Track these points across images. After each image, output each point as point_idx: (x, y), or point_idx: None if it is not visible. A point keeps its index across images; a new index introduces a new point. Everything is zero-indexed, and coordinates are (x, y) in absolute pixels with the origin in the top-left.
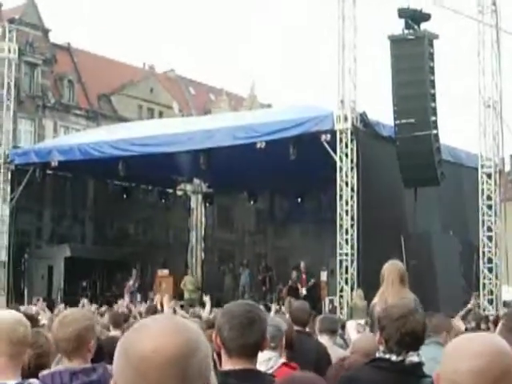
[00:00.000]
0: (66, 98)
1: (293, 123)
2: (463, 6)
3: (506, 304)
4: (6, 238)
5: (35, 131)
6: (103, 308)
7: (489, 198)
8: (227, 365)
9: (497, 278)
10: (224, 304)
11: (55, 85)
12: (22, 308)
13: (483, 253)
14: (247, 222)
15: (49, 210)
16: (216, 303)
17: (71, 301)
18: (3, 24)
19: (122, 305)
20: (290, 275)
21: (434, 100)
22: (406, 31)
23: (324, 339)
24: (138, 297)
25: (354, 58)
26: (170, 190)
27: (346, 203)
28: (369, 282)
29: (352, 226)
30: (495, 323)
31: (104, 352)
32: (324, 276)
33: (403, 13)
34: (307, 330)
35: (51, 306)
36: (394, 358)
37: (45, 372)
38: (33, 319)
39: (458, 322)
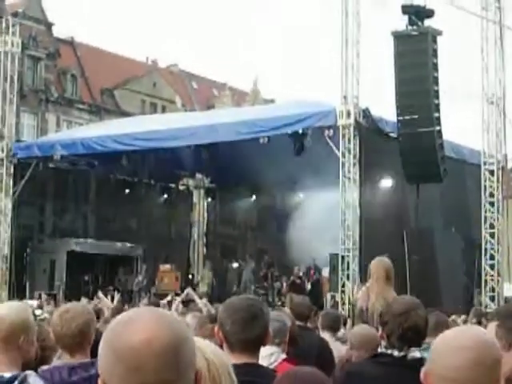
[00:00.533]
0: (69, 92)
1: (296, 118)
2: (467, 2)
3: (507, 300)
4: (9, 231)
5: (38, 125)
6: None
7: (491, 194)
8: (230, 359)
9: (499, 274)
10: (226, 299)
11: (58, 79)
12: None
13: (485, 249)
14: (249, 217)
15: (51, 204)
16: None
17: (73, 295)
18: (6, 18)
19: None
20: (292, 271)
21: (437, 96)
22: (410, 27)
23: (326, 335)
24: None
25: (357, 53)
26: (173, 185)
27: (349, 199)
28: None
29: (354, 222)
30: None
31: None
32: (326, 272)
33: (407, 9)
34: (309, 325)
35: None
36: (396, 353)
37: (44, 367)
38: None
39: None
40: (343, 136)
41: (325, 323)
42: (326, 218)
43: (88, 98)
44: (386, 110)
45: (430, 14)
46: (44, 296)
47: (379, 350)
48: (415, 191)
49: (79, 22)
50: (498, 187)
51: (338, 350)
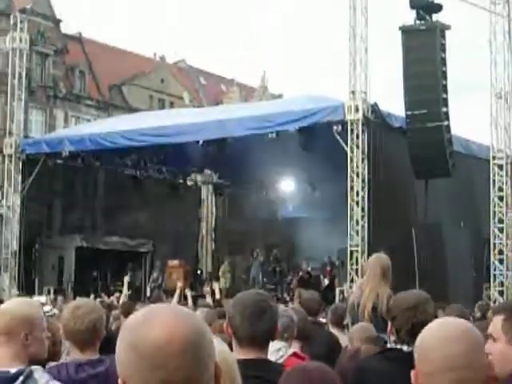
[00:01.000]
0: (77, 88)
1: (304, 114)
2: None
3: None
4: (17, 227)
5: (46, 121)
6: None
7: (500, 189)
8: (238, 354)
9: (507, 269)
10: (235, 295)
11: (66, 75)
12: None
13: (494, 244)
14: (258, 212)
15: (60, 200)
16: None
17: (81, 291)
18: (15, 14)
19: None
20: (300, 266)
21: (446, 91)
22: (418, 22)
23: (335, 330)
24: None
25: (366, 48)
26: (181, 181)
27: (357, 194)
28: None
29: (362, 217)
30: None
31: (115, 343)
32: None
33: (415, 3)
34: (320, 320)
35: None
36: (405, 348)
37: (52, 364)
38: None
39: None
40: (351, 131)
41: (333, 318)
42: (335, 213)
43: (96, 94)
44: (394, 104)
45: (438, 8)
46: (52, 292)
47: (388, 345)
48: (424, 186)
49: (87, 18)
50: (506, 182)
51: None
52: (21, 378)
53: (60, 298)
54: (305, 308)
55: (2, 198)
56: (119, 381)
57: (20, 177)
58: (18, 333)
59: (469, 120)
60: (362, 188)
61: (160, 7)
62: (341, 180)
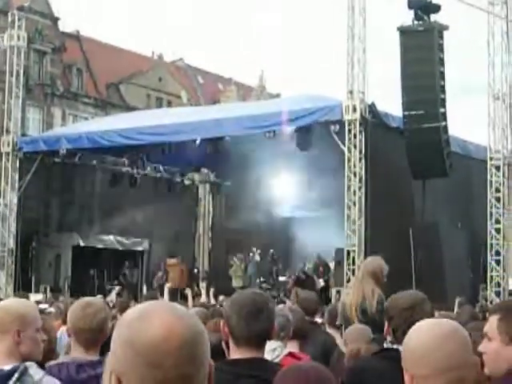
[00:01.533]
0: (75, 86)
1: (302, 113)
2: None
3: None
4: (14, 225)
5: (44, 119)
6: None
7: (497, 190)
8: (235, 354)
9: (504, 270)
10: (231, 294)
11: (64, 73)
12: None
13: (491, 245)
14: (254, 211)
15: (57, 198)
16: (223, 293)
17: (78, 289)
18: (12, 12)
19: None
20: (297, 266)
21: (444, 92)
22: (416, 22)
23: (332, 330)
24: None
25: (364, 48)
26: (178, 180)
27: (354, 194)
28: None
29: (360, 217)
30: None
31: None
32: (331, 267)
33: (413, 4)
34: (316, 320)
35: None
36: (401, 348)
37: (52, 363)
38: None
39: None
40: (349, 131)
41: (330, 318)
42: (332, 213)
43: (93, 92)
44: (391, 104)
45: (436, 8)
46: (49, 291)
47: (385, 345)
48: (421, 186)
49: (85, 16)
50: (503, 182)
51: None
52: (16, 375)
53: (62, 297)
54: (302, 308)
55: (0, 195)
56: (113, 377)
57: (17, 175)
58: (10, 330)
59: (466, 121)
60: (360, 188)
61: (158, 6)
62: (338, 180)
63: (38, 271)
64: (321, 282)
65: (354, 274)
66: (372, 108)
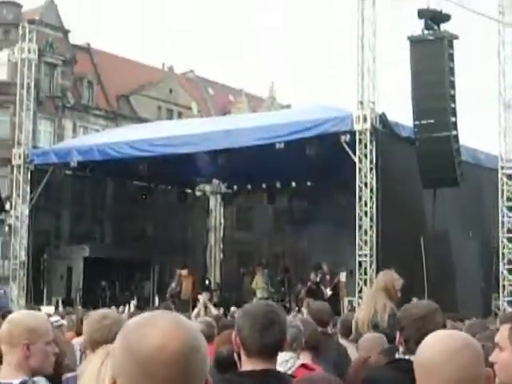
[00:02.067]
0: (86, 98)
1: (312, 124)
2: (484, 6)
3: None
4: (26, 238)
5: (54, 131)
6: (121, 308)
7: (509, 199)
8: (247, 365)
9: None
10: (243, 305)
11: (75, 85)
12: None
13: (503, 254)
14: (266, 222)
15: (68, 210)
16: (235, 304)
17: (90, 301)
18: (23, 25)
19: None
20: (308, 276)
21: (454, 101)
22: (426, 32)
23: (344, 341)
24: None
25: (374, 58)
26: (189, 191)
27: (365, 204)
28: None
29: (371, 227)
30: None
31: None
32: (343, 277)
33: (423, 13)
34: (328, 330)
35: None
36: (413, 358)
37: (69, 375)
38: None
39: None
40: (360, 141)
41: (343, 329)
42: (343, 222)
43: (104, 104)
44: (401, 114)
45: (446, 18)
46: (61, 303)
47: (397, 355)
48: (432, 196)
49: (95, 28)
50: None
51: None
52: None
53: (74, 309)
54: (315, 319)
55: (11, 208)
56: (109, 378)
57: (28, 187)
58: (19, 343)
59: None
60: (371, 198)
61: (168, 18)
62: (349, 190)
63: (49, 283)
64: (328, 292)
65: (365, 283)
66: (382, 118)
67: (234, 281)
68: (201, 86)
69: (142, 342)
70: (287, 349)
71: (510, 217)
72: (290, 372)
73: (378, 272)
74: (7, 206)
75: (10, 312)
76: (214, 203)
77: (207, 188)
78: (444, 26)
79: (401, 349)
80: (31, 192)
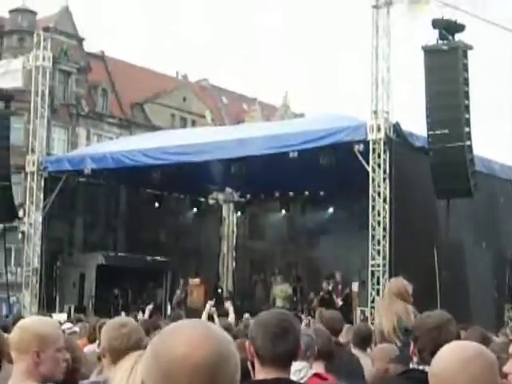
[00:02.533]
0: (100, 106)
1: (326, 133)
2: (498, 16)
3: None
4: (39, 245)
5: (68, 139)
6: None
7: None
8: (260, 374)
9: None
10: (255, 314)
11: (89, 93)
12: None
13: None
14: (278, 231)
15: (81, 218)
16: (248, 313)
17: (102, 309)
18: (38, 33)
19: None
20: (321, 285)
21: (468, 111)
22: (441, 42)
23: (356, 351)
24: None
25: (388, 68)
26: (202, 199)
27: (378, 214)
28: None
29: (384, 236)
30: None
31: None
32: (355, 287)
33: (438, 23)
34: (340, 339)
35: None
36: (427, 368)
37: (85, 382)
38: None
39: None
40: (373, 151)
41: (356, 339)
42: (356, 232)
43: (118, 112)
44: (415, 124)
45: (460, 28)
46: (73, 310)
47: (411, 365)
48: (445, 206)
49: (110, 36)
50: None
51: (369, 366)
52: None
53: (86, 316)
54: (328, 328)
55: (24, 215)
56: (140, 379)
57: (42, 194)
58: (29, 350)
59: (491, 140)
60: (384, 208)
61: (183, 27)
62: (362, 199)
63: (62, 291)
64: (339, 302)
65: (378, 293)
66: (396, 127)
67: (247, 289)
68: (215, 95)
69: (168, 350)
70: (301, 358)
71: None
72: (303, 381)
73: None
74: (20, 213)
75: (21, 318)
76: (227, 211)
77: (220, 196)
78: (458, 36)
79: (415, 359)
80: (45, 199)
